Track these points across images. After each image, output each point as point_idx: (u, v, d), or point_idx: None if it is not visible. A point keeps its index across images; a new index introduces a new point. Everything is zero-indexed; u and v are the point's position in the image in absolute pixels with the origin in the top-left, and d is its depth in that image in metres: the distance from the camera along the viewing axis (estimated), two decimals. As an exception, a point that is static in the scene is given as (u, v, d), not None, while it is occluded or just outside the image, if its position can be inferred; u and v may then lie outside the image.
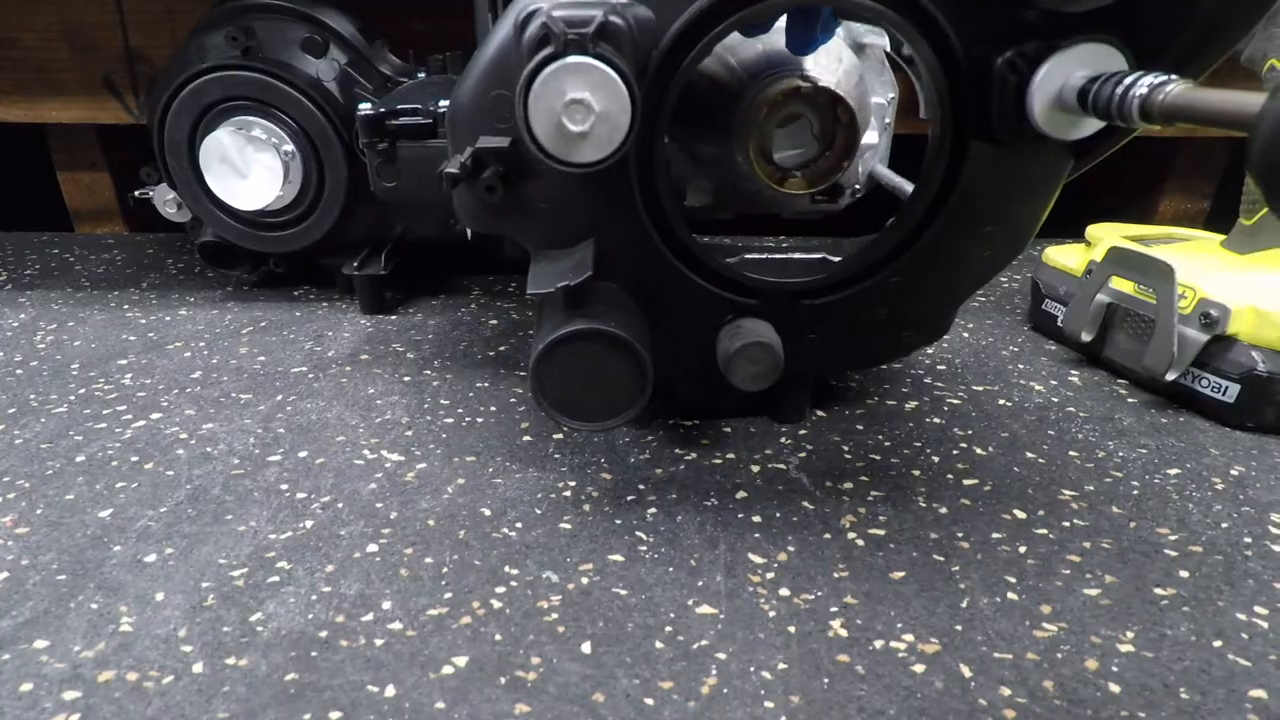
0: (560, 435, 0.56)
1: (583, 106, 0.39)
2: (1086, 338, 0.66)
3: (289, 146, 0.75)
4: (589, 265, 0.45)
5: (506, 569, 0.43)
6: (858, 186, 0.56)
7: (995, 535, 0.46)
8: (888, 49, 0.56)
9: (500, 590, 0.41)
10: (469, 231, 0.64)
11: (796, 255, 0.52)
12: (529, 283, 0.45)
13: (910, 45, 0.43)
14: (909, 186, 0.55)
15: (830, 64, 0.47)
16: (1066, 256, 0.72)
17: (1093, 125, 0.40)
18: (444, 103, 0.63)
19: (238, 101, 0.75)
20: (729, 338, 0.48)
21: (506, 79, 0.43)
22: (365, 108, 0.65)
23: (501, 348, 0.70)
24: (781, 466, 0.52)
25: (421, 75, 0.79)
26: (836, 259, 0.51)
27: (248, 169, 0.74)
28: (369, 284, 0.78)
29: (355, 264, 0.79)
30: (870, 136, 0.51)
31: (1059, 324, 0.69)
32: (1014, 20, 0.41)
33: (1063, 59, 0.39)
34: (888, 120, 0.58)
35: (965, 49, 0.43)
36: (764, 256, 0.52)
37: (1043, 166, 0.47)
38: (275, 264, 0.84)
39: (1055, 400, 0.62)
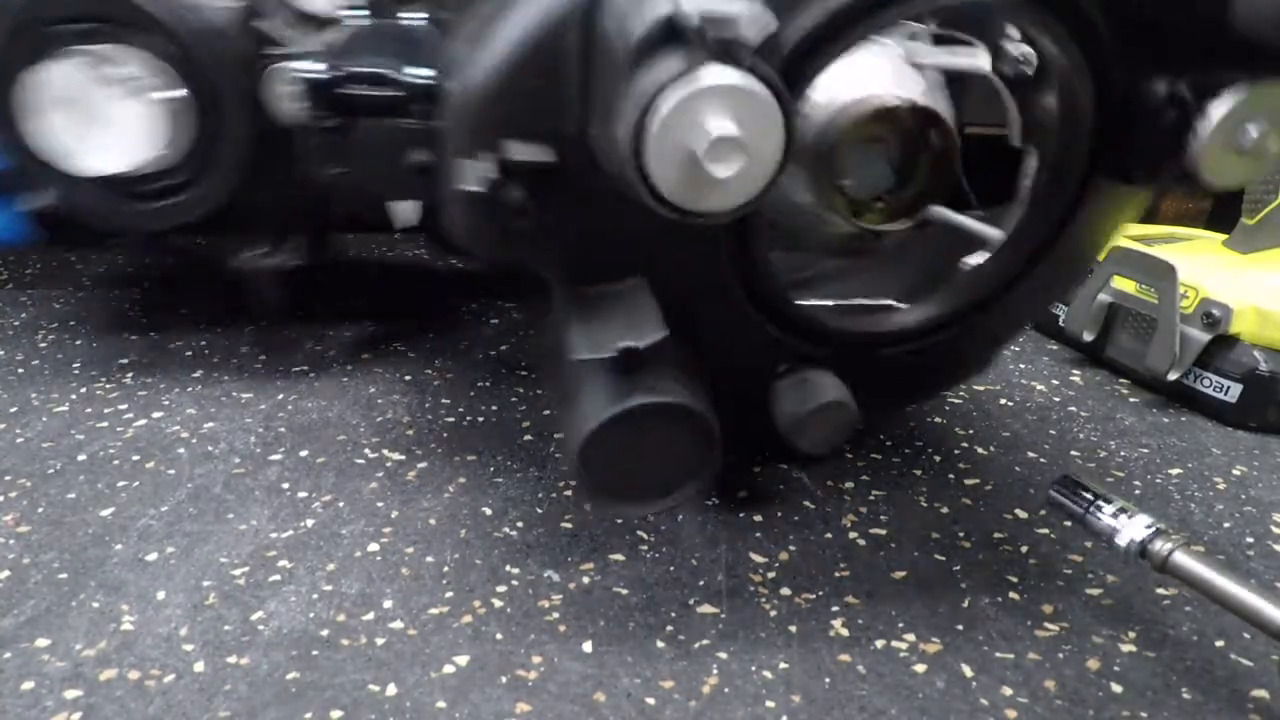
0: (561, 434, 0.56)
1: (733, 145, 0.28)
2: (1088, 337, 0.66)
3: (166, 91, 0.55)
4: (658, 320, 0.36)
5: (508, 568, 0.43)
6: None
7: (997, 535, 0.46)
8: (983, 69, 0.44)
9: (501, 589, 0.41)
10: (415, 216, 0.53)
11: (860, 302, 0.45)
12: (575, 344, 0.35)
13: (1052, 58, 0.36)
14: (970, 222, 0.46)
15: (912, 82, 0.40)
16: (1068, 256, 0.72)
17: (1257, 170, 0.34)
18: (419, 71, 0.47)
19: (87, 25, 0.53)
20: (796, 397, 0.41)
21: (555, 67, 0.33)
22: (308, 67, 0.48)
23: (502, 347, 0.70)
24: (783, 466, 0.52)
25: (360, 13, 0.56)
26: (904, 306, 0.45)
27: (102, 118, 0.54)
28: (271, 281, 0.61)
29: (261, 252, 0.60)
30: None
31: (1061, 324, 0.69)
32: (1198, 44, 0.34)
33: (1247, 97, 0.33)
34: None
35: (1120, 69, 0.36)
36: (830, 303, 0.45)
37: (1137, 200, 0.42)
38: (148, 249, 0.65)
39: (1057, 400, 0.61)
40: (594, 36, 0.31)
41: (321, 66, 0.48)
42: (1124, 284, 0.64)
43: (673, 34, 0.27)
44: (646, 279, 0.38)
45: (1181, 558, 0.35)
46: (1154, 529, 0.36)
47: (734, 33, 0.27)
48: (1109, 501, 0.38)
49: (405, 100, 0.48)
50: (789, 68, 0.33)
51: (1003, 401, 0.61)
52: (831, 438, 0.41)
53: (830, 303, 0.44)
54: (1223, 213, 1.00)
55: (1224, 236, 0.68)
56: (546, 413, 0.57)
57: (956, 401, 0.61)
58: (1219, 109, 0.33)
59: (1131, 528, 0.37)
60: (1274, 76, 0.33)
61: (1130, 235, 0.69)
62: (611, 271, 0.38)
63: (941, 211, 0.45)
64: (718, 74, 0.27)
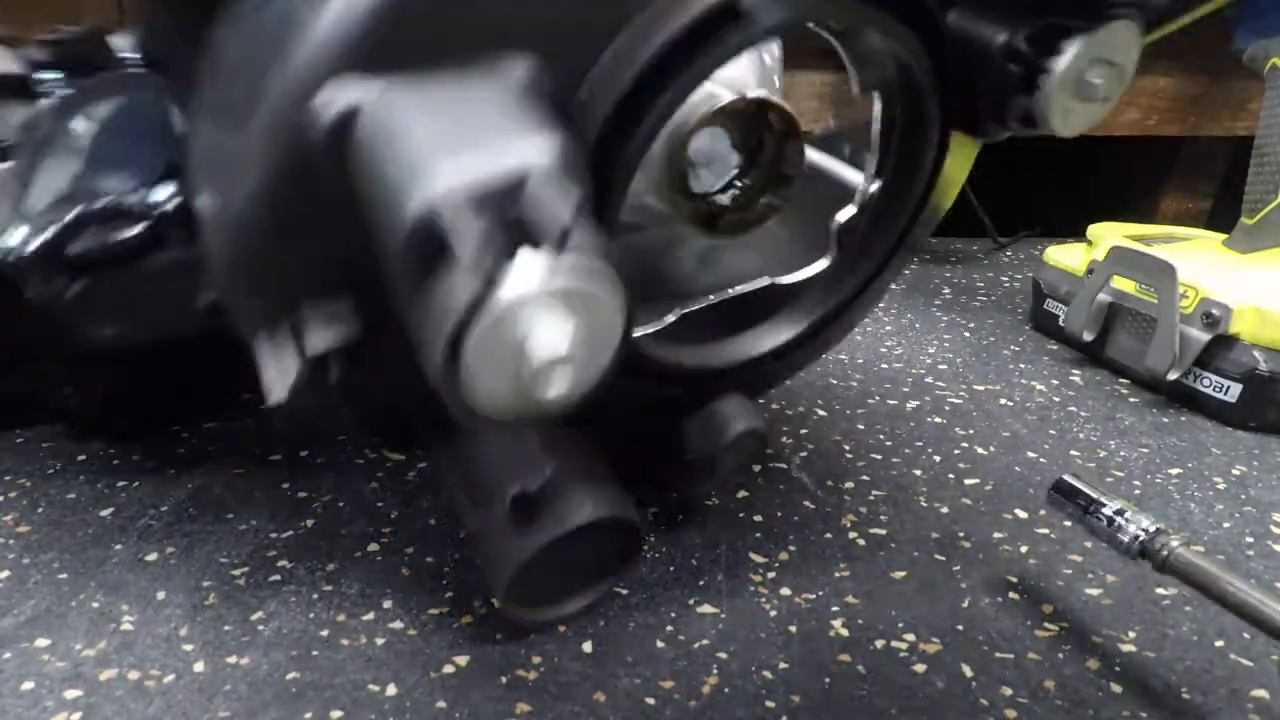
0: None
1: (563, 361, 0.22)
2: (1088, 337, 0.66)
3: None
4: (538, 451, 0.33)
5: (508, 568, 0.43)
6: None
7: (997, 535, 0.46)
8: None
9: (501, 589, 0.41)
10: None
11: (741, 289, 0.42)
12: (461, 508, 0.32)
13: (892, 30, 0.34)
14: (836, 165, 0.44)
15: (742, 72, 0.39)
16: (1068, 256, 0.72)
17: (1100, 114, 0.34)
18: (164, 192, 0.35)
19: None
20: (706, 434, 0.39)
21: (318, 216, 0.26)
22: (18, 241, 0.34)
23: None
24: (783, 466, 0.52)
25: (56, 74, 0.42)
26: (785, 281, 0.43)
27: None
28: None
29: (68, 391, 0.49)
30: None
31: (1060, 323, 0.69)
32: None
33: (1085, 47, 0.32)
34: None
35: (954, 22, 0.35)
36: (705, 304, 0.42)
37: (975, 149, 0.41)
38: None
39: (1057, 400, 0.61)
40: (355, 195, 0.24)
41: (32, 233, 0.34)
42: (1124, 284, 0.64)
43: (442, 245, 0.20)
44: None
45: (1181, 558, 0.35)
46: (1154, 529, 0.36)
47: (531, 216, 0.20)
48: (1109, 501, 0.38)
49: (161, 232, 0.36)
50: (605, 142, 0.28)
51: (1003, 401, 0.61)
52: (747, 461, 0.41)
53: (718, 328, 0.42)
54: (1223, 213, 1.00)
55: (1224, 236, 0.68)
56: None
57: (956, 401, 0.61)
58: (1063, 62, 0.32)
59: (1131, 528, 0.37)
60: (1103, 21, 0.32)
61: (1130, 235, 0.69)
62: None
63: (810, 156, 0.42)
64: (522, 280, 0.20)
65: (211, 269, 0.28)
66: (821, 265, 0.43)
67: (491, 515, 0.34)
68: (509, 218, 0.20)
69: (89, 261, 0.35)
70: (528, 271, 0.20)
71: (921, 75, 0.36)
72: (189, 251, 0.34)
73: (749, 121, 0.38)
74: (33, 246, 0.34)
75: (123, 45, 0.45)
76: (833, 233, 0.42)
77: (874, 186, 0.41)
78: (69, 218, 0.34)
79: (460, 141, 0.21)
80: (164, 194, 0.35)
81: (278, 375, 0.27)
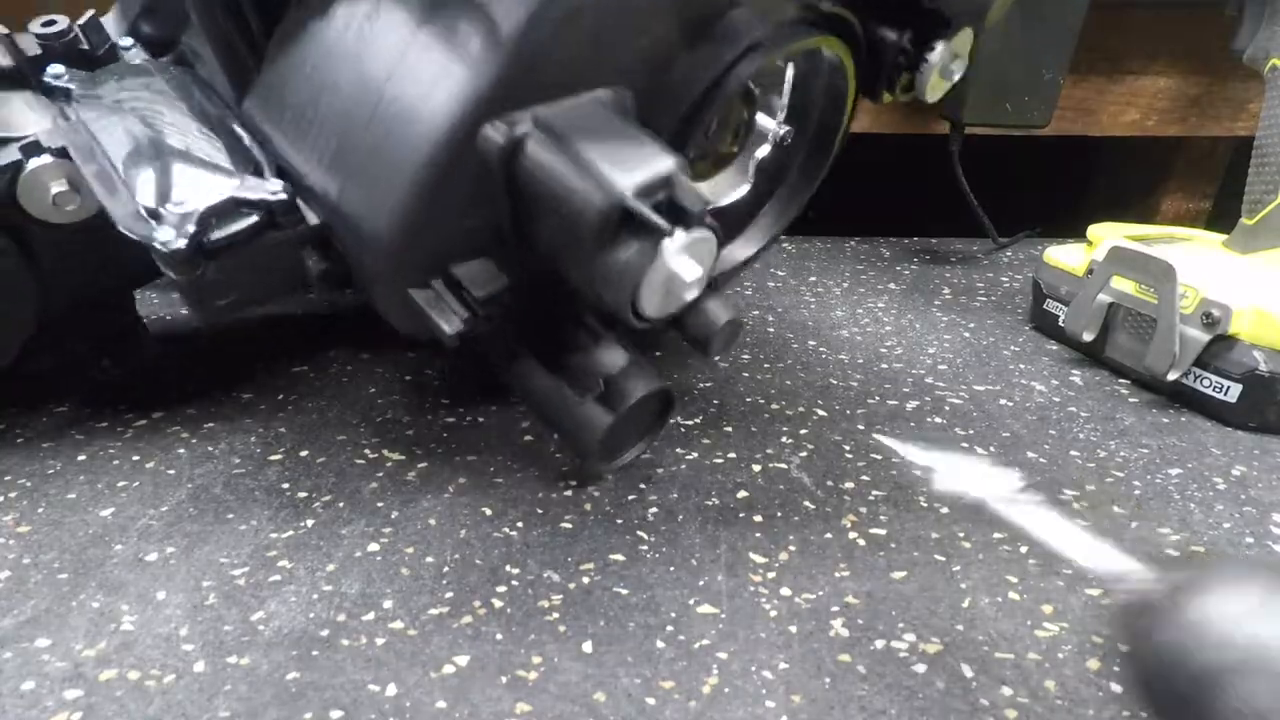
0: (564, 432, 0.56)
1: (696, 282, 0.37)
2: (1088, 337, 0.66)
3: None
4: (617, 345, 0.45)
5: (508, 568, 0.43)
6: None
7: (997, 535, 0.46)
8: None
9: (501, 589, 0.41)
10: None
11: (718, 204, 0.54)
12: (566, 395, 0.45)
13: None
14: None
15: None
16: (1068, 256, 0.72)
17: (948, 86, 0.51)
18: (271, 186, 0.41)
19: None
20: (700, 322, 0.45)
21: (481, 204, 0.37)
22: (167, 233, 0.39)
23: (502, 347, 0.70)
24: (783, 466, 0.52)
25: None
26: (718, 205, 0.54)
27: None
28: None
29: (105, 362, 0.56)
30: None
31: (1060, 324, 0.69)
32: (912, 13, 0.49)
33: (949, 45, 0.49)
34: None
35: (866, 28, 0.49)
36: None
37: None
38: None
39: (1056, 400, 0.61)
40: (520, 186, 0.35)
41: (179, 230, 0.39)
42: (1123, 284, 0.64)
43: (628, 219, 0.33)
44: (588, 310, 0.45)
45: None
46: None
47: (680, 202, 0.33)
48: None
49: (272, 216, 0.41)
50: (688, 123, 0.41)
51: (1003, 401, 0.61)
52: (729, 343, 0.48)
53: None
54: (1223, 213, 1.00)
55: (1224, 236, 0.68)
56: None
57: (956, 401, 0.61)
58: (934, 56, 0.48)
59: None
60: (955, 29, 0.48)
61: (1130, 235, 0.69)
62: (566, 332, 0.45)
63: None
64: (681, 241, 0.34)
65: (360, 243, 0.39)
66: (743, 191, 0.56)
67: (584, 398, 0.45)
68: (663, 201, 0.33)
69: (222, 247, 0.41)
70: (680, 236, 0.34)
71: (846, 68, 0.50)
72: (295, 231, 0.42)
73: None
74: (183, 243, 0.39)
75: (113, 29, 0.50)
76: (752, 166, 0.55)
77: (783, 130, 0.54)
78: (203, 211, 0.39)
79: (621, 156, 0.33)
80: (273, 186, 0.42)
81: (441, 318, 0.38)
